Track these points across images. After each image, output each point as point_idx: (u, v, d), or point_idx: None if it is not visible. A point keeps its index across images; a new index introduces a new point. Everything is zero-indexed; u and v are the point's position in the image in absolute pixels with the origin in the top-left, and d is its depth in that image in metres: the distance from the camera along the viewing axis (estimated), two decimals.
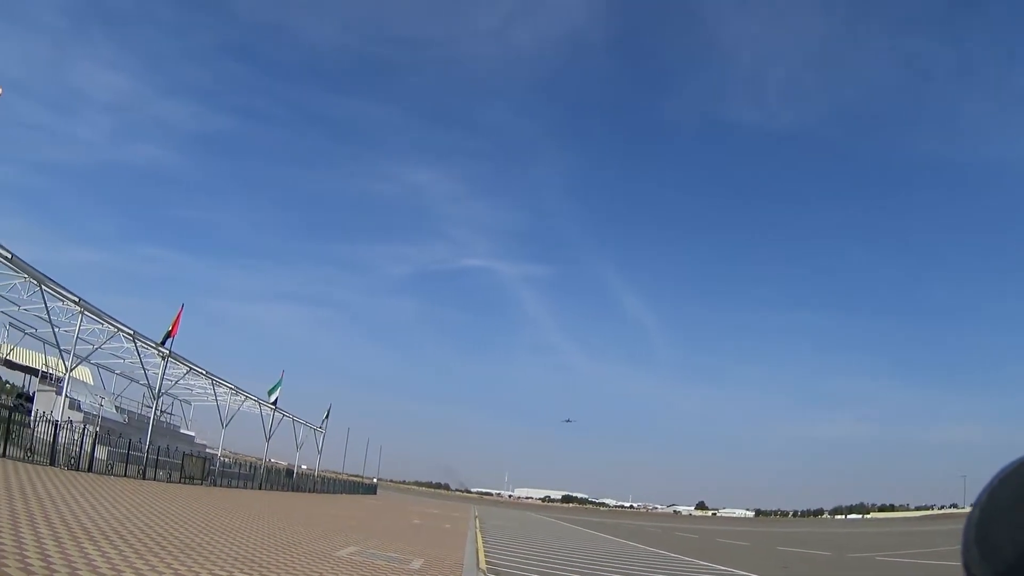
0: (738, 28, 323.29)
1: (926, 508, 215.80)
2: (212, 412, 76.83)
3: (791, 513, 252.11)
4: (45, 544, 13.90)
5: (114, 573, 12.64)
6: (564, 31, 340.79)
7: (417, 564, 21.96)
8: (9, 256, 38.49)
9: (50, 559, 12.64)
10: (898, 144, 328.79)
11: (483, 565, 25.43)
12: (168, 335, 55.52)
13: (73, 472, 35.57)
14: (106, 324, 49.97)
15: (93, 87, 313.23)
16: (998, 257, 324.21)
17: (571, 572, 27.84)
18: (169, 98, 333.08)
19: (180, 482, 49.29)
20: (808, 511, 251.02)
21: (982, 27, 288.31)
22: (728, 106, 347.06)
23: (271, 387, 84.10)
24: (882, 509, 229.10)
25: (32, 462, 33.94)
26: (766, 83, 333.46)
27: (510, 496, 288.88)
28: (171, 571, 13.92)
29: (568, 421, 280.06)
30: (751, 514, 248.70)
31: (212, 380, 70.28)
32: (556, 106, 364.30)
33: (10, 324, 56.48)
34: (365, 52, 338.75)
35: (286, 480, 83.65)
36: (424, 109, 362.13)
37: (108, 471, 41.04)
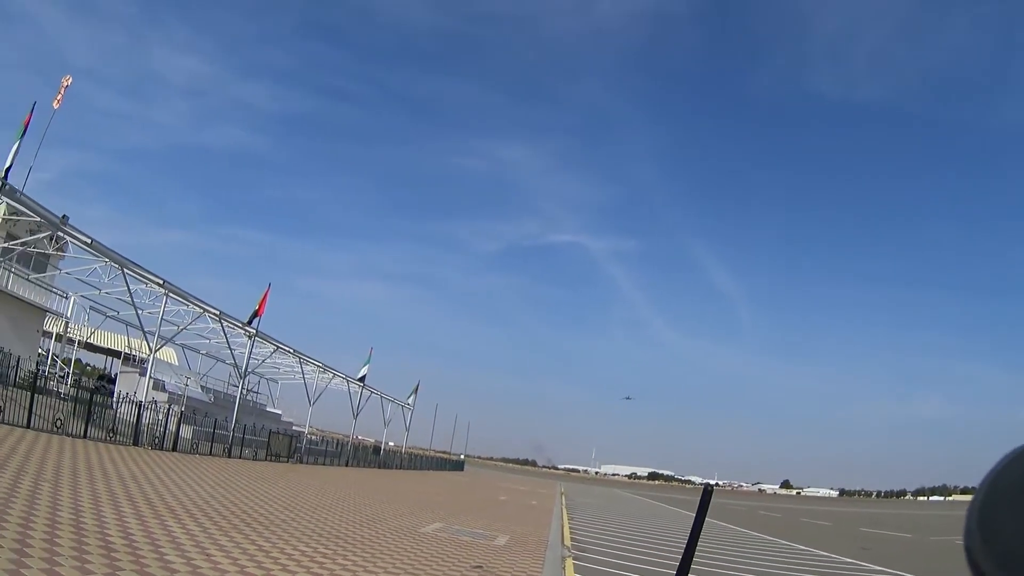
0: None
1: None
2: (300, 390, 77.94)
3: (874, 493, 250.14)
4: (128, 523, 13.96)
5: (197, 550, 12.64)
6: (648, 3, 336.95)
7: (502, 540, 21.82)
8: (89, 241, 39.12)
9: (132, 537, 12.66)
10: (989, 112, 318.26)
11: (568, 542, 25.18)
12: (255, 314, 56.16)
13: (157, 452, 36.13)
14: (191, 305, 50.68)
15: (170, 71, 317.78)
16: None
17: (653, 549, 27.52)
18: (249, 80, 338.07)
19: (266, 460, 49.92)
20: (891, 492, 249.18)
21: None
22: (814, 77, 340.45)
23: (361, 364, 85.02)
24: (964, 492, 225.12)
25: (114, 442, 34.45)
26: (852, 53, 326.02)
27: (597, 473, 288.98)
28: (254, 547, 13.92)
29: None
30: (835, 493, 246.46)
31: (300, 358, 70.99)
32: (642, 79, 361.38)
33: (91, 307, 57.63)
34: (450, 30, 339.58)
35: (373, 457, 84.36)
36: (511, 85, 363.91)
37: (193, 450, 41.65)
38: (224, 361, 72.54)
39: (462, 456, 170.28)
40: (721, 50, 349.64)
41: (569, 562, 19.73)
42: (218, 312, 52.84)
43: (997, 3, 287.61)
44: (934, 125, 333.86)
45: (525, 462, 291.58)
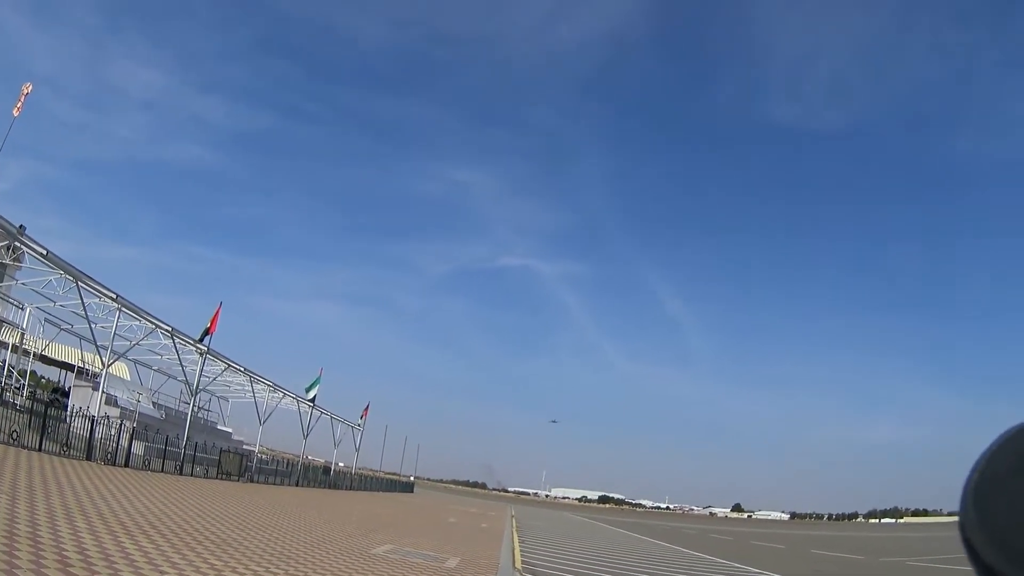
0: (780, 26, 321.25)
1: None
2: (250, 408, 77.41)
3: (826, 516, 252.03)
4: (82, 538, 14.08)
5: (151, 567, 12.78)
6: (605, 30, 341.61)
7: (453, 563, 21.97)
8: (45, 252, 38.92)
9: (87, 553, 12.79)
10: (952, 142, 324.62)
11: (519, 565, 25.38)
12: (207, 332, 55.96)
13: (110, 467, 35.92)
14: (144, 320, 50.41)
15: (131, 84, 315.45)
16: None
17: (606, 573, 27.76)
18: (208, 95, 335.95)
19: (217, 478, 49.70)
20: (843, 514, 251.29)
21: None
22: (771, 104, 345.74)
23: (309, 384, 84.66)
24: (915, 514, 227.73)
25: (68, 456, 34.26)
26: (809, 80, 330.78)
27: (547, 496, 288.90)
28: (207, 566, 14.05)
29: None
30: (786, 516, 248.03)
31: (250, 377, 70.73)
32: (598, 105, 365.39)
33: (46, 320, 57.18)
34: (409, 51, 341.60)
35: (323, 477, 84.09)
36: (468, 108, 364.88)
37: (145, 466, 41.42)
38: (175, 378, 72.04)
39: (412, 478, 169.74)
40: (676, 77, 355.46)
41: None
42: (170, 328, 52.58)
43: (954, 33, 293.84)
44: (890, 152, 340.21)
45: (475, 484, 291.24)
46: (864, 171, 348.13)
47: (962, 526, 1.39)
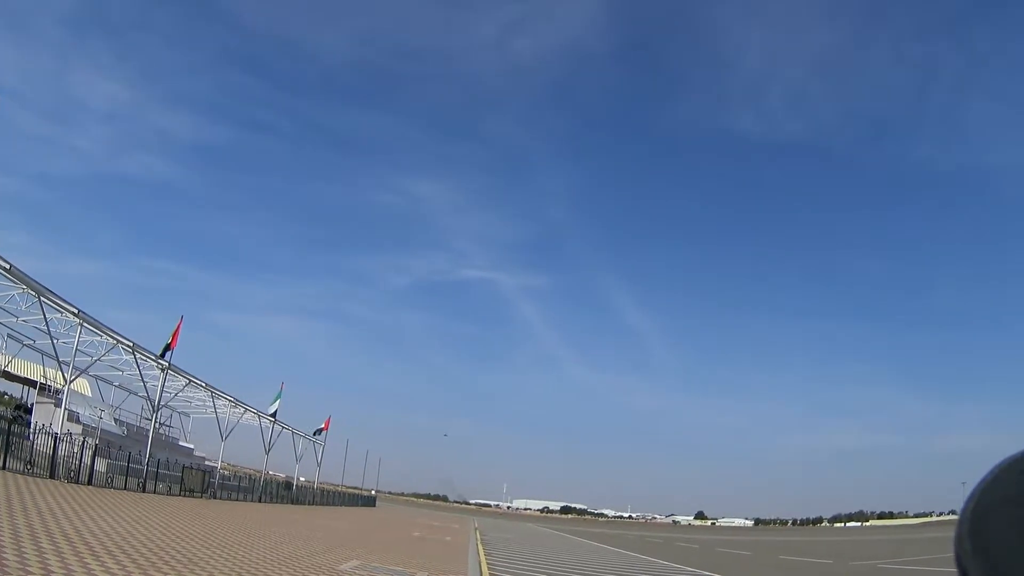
0: (741, 37, 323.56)
1: (924, 515, 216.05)
2: (211, 424, 76.58)
3: (790, 522, 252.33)
4: (48, 559, 13.76)
5: None
6: (565, 41, 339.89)
7: None
8: (7, 267, 38.34)
9: (53, 574, 12.50)
10: (908, 150, 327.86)
11: None
12: (168, 347, 55.36)
13: (73, 485, 35.41)
14: (105, 336, 49.79)
15: (93, 97, 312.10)
16: (1004, 265, 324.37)
17: None
18: (170, 109, 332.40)
19: (180, 495, 49.09)
20: (807, 519, 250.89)
21: (989, 34, 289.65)
22: (732, 115, 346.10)
23: (271, 399, 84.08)
24: (881, 517, 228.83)
25: (32, 475, 33.77)
26: (770, 91, 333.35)
27: (509, 507, 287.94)
28: None
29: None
30: (750, 523, 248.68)
31: (211, 392, 70.04)
32: (559, 116, 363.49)
33: (8, 335, 56.32)
34: (370, 64, 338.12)
35: (285, 492, 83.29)
36: (428, 121, 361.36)
37: (108, 484, 40.86)
38: (137, 394, 71.31)
39: (374, 491, 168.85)
40: (638, 87, 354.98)
41: None
42: (131, 344, 51.96)
43: (915, 44, 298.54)
44: (850, 161, 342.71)
45: (436, 497, 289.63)
46: (825, 180, 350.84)
47: (958, 556, 1.40)
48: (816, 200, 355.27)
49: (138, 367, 55.29)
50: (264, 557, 21.13)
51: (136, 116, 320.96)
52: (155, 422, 58.51)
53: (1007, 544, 1.29)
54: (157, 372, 57.29)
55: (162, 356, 55.28)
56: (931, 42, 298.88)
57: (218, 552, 20.43)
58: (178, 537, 22.44)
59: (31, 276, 41.01)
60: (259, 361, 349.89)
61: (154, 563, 16.08)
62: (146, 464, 47.65)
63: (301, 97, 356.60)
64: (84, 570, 13.57)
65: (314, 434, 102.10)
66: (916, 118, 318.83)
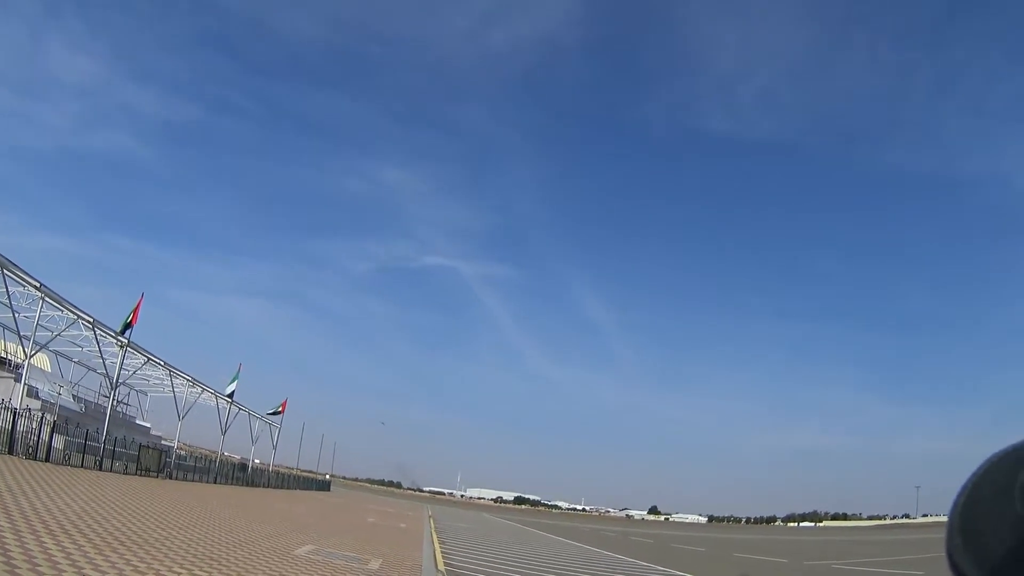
0: (717, 36, 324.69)
1: (878, 518, 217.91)
2: (169, 403, 75.99)
3: (744, 519, 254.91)
4: (4, 537, 13.68)
5: (73, 569, 12.44)
6: (540, 33, 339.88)
7: (375, 564, 21.81)
8: None
9: (10, 554, 12.42)
10: (882, 154, 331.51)
11: (441, 567, 25.29)
12: (128, 325, 54.80)
13: (31, 461, 35.08)
14: (66, 311, 49.14)
15: (65, 72, 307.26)
16: (970, 272, 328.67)
17: (529, 573, 27.75)
18: (139, 86, 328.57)
19: (136, 474, 48.64)
20: (761, 518, 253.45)
21: (964, 43, 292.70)
22: (704, 113, 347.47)
23: (229, 380, 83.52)
24: (835, 518, 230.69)
25: None
26: (743, 91, 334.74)
27: (462, 496, 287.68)
28: (130, 567, 13.73)
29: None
30: (704, 520, 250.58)
31: (170, 371, 69.35)
32: (530, 109, 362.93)
33: None
34: (342, 48, 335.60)
35: (240, 474, 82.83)
36: (398, 108, 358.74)
37: (65, 461, 40.45)
38: (96, 371, 70.64)
39: (328, 476, 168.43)
40: (611, 82, 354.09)
41: None
42: (91, 319, 51.34)
43: (891, 51, 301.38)
44: (823, 164, 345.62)
45: (390, 484, 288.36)
46: (794, 180, 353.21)
47: (949, 552, 1.42)
48: (784, 200, 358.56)
49: (98, 343, 54.66)
50: (219, 540, 21.04)
51: (105, 92, 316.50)
52: (113, 399, 57.96)
53: (998, 538, 1.32)
54: (116, 349, 56.66)
55: (122, 333, 54.74)
56: (907, 48, 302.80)
57: (174, 533, 20.33)
58: (134, 517, 22.29)
59: None
60: (218, 341, 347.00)
61: (110, 543, 15.98)
62: (103, 442, 47.24)
63: (271, 79, 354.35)
64: (40, 548, 13.48)
65: (269, 415, 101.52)
66: (889, 123, 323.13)
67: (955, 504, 1.44)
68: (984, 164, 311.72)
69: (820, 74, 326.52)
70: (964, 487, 1.43)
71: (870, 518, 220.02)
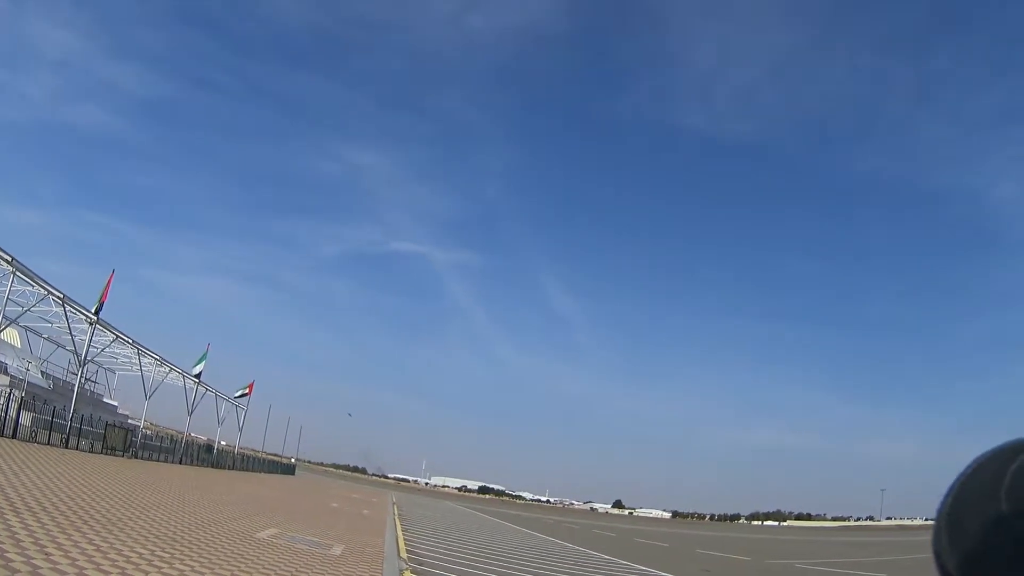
0: (697, 34, 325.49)
1: (843, 519, 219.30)
2: (136, 382, 75.60)
3: (708, 516, 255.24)
4: None
5: (37, 548, 12.38)
6: (521, 22, 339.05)
7: (338, 550, 21.80)
8: None
9: None
10: (848, 159, 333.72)
11: (404, 554, 25.26)
12: (99, 302, 54.36)
13: None
14: (37, 286, 48.69)
15: (46, 44, 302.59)
16: (937, 279, 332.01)
17: (490, 564, 27.76)
18: (119, 60, 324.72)
19: (103, 453, 48.32)
20: (725, 515, 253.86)
21: (942, 53, 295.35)
22: (680, 109, 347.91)
23: (196, 360, 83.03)
24: (799, 518, 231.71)
25: None
26: (720, 89, 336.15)
27: (427, 484, 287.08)
28: (93, 547, 13.67)
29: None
30: (667, 515, 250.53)
31: (138, 349, 68.88)
32: (505, 97, 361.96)
33: None
34: (322, 29, 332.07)
35: (206, 455, 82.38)
36: (375, 91, 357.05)
37: (32, 438, 40.15)
38: (65, 347, 70.04)
39: (293, 459, 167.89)
40: (588, 74, 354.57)
41: (407, 575, 19.89)
42: (62, 295, 50.90)
43: (871, 58, 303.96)
44: (796, 166, 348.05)
45: (355, 469, 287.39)
46: (767, 180, 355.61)
47: (936, 551, 1.41)
48: (755, 200, 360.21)
49: (67, 320, 54.20)
50: (183, 521, 20.96)
51: (85, 65, 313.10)
52: (81, 377, 57.53)
53: (984, 537, 1.32)
54: (86, 326, 56.20)
55: (96, 312, 54.29)
56: (887, 56, 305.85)
57: (138, 513, 20.24)
58: (99, 496, 22.17)
59: None
60: (186, 321, 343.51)
61: (74, 523, 15.90)
62: (70, 420, 46.89)
63: (250, 58, 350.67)
64: (3, 526, 13.40)
65: (236, 397, 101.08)
66: (864, 129, 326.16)
67: (942, 504, 1.44)
68: (956, 175, 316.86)
69: (798, 77, 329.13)
70: (951, 487, 1.44)
71: (834, 519, 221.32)
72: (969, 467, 1.42)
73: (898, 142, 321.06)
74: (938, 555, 1.40)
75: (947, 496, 1.43)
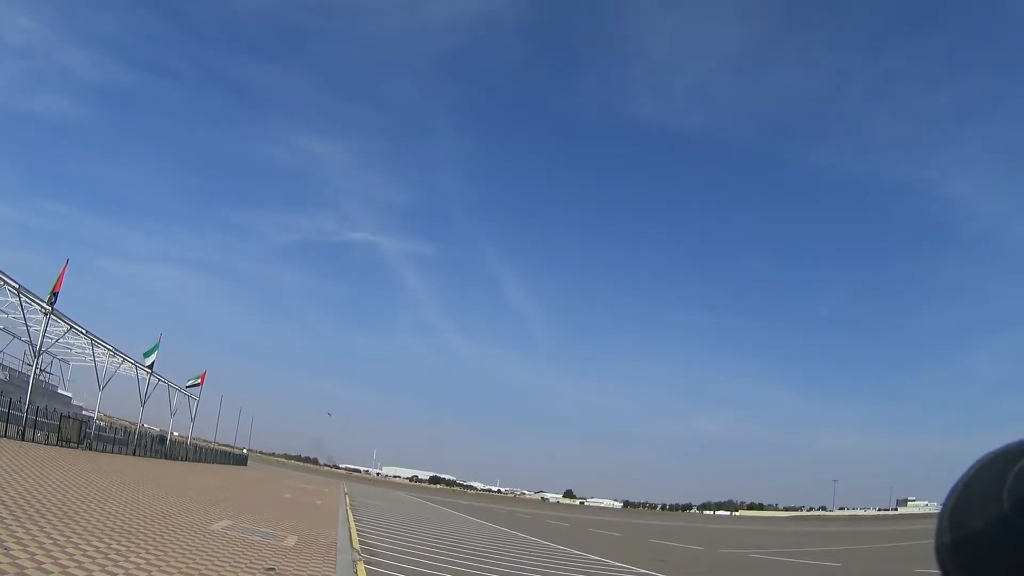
0: (652, 23, 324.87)
1: (795, 509, 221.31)
2: (90, 373, 74.65)
3: (659, 506, 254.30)
4: None
5: None
6: (477, 11, 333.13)
7: (291, 541, 21.91)
8: None
9: None
10: (801, 153, 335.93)
11: (356, 545, 25.36)
12: (54, 292, 53.74)
13: None
14: None
15: (8, 31, 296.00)
16: (886, 276, 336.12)
17: (442, 554, 27.90)
18: (78, 47, 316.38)
19: (57, 444, 47.86)
20: (676, 505, 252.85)
21: (899, 51, 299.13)
22: (633, 100, 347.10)
23: (147, 350, 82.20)
24: (751, 507, 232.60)
25: None
26: (675, 81, 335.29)
27: (378, 474, 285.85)
28: (50, 541, 13.72)
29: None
30: (619, 505, 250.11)
31: (92, 340, 68.07)
32: (460, 86, 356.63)
33: None
34: (276, 15, 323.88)
35: (159, 447, 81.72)
36: (328, 78, 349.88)
37: None
38: (20, 338, 69.11)
39: (245, 450, 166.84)
40: (542, 65, 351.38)
41: (361, 566, 20.01)
42: (17, 285, 50.25)
43: (827, 54, 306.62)
44: (749, 160, 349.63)
45: (307, 459, 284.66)
46: (719, 174, 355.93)
47: (938, 550, 1.44)
48: (709, 193, 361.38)
49: (23, 310, 53.55)
50: (137, 514, 20.95)
51: (46, 53, 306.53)
52: (36, 368, 56.86)
53: (986, 538, 1.33)
54: (40, 316, 55.51)
55: (52, 302, 53.69)
56: (843, 53, 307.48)
57: (92, 506, 20.21)
58: (54, 489, 22.08)
59: None
60: (139, 310, 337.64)
61: (30, 515, 15.91)
62: (26, 411, 46.37)
63: (204, 43, 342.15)
64: None
65: (187, 386, 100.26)
66: (819, 125, 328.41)
67: (945, 504, 1.45)
68: (907, 171, 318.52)
69: (753, 70, 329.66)
70: (955, 487, 1.45)
71: (786, 509, 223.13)
72: (972, 467, 1.45)
73: (852, 138, 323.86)
74: (939, 554, 1.43)
75: (950, 496, 1.46)
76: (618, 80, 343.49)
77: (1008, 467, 1.36)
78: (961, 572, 1.36)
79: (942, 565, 1.41)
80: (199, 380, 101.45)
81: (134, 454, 66.58)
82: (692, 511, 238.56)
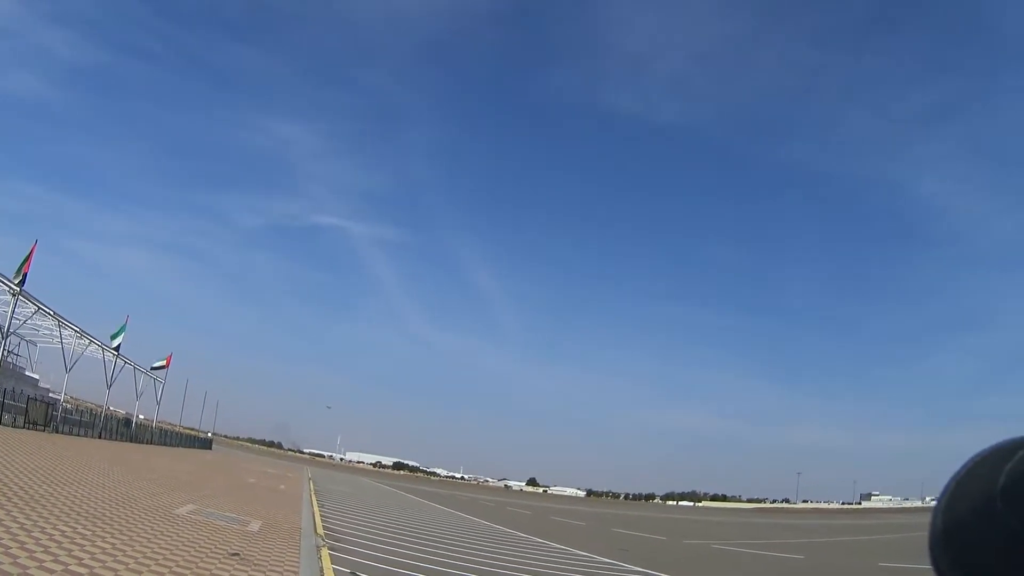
0: (629, 14, 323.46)
1: (758, 500, 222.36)
2: (56, 354, 73.89)
3: (622, 495, 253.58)
4: None
5: None
6: None
7: (255, 526, 21.96)
8: None
9: None
10: (775, 149, 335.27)
11: (320, 531, 25.43)
12: (22, 273, 53.20)
13: None
14: None
15: None
16: (855, 268, 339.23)
17: (405, 540, 27.96)
18: (54, 26, 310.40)
19: (25, 427, 47.52)
20: (640, 495, 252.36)
21: (875, 49, 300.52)
22: (609, 91, 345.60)
23: (114, 332, 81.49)
24: (714, 498, 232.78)
25: None
26: (652, 72, 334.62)
27: (342, 459, 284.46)
28: (17, 525, 13.74)
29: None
30: (582, 494, 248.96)
31: (59, 321, 67.38)
32: (434, 73, 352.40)
33: None
34: None
35: (125, 430, 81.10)
36: (302, 62, 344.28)
37: None
38: None
39: (210, 434, 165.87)
40: (517, 54, 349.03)
41: (325, 551, 20.12)
42: None
43: (806, 51, 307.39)
44: (724, 152, 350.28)
45: (271, 444, 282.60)
46: (695, 166, 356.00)
47: (931, 548, 1.44)
48: (684, 185, 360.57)
49: None
50: (102, 497, 20.94)
51: (21, 32, 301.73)
52: (4, 350, 56.31)
53: (979, 537, 1.34)
54: (8, 298, 54.93)
55: (21, 284, 53.12)
56: (821, 49, 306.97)
57: (58, 489, 20.18)
58: (20, 472, 22.01)
59: None
60: (106, 292, 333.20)
61: None
62: None
63: (180, 24, 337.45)
64: None
65: (152, 369, 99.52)
66: (794, 119, 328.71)
67: (938, 503, 1.46)
68: (879, 168, 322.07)
69: (730, 65, 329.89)
70: (947, 486, 1.45)
71: (750, 501, 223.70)
72: (965, 465, 1.45)
73: (823, 134, 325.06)
74: (932, 551, 1.43)
75: (943, 493, 1.46)
76: (594, 71, 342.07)
77: (1001, 465, 1.38)
78: (955, 569, 1.38)
79: (935, 562, 1.43)
80: (165, 363, 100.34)
81: (100, 437, 66.07)
82: (655, 501, 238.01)
